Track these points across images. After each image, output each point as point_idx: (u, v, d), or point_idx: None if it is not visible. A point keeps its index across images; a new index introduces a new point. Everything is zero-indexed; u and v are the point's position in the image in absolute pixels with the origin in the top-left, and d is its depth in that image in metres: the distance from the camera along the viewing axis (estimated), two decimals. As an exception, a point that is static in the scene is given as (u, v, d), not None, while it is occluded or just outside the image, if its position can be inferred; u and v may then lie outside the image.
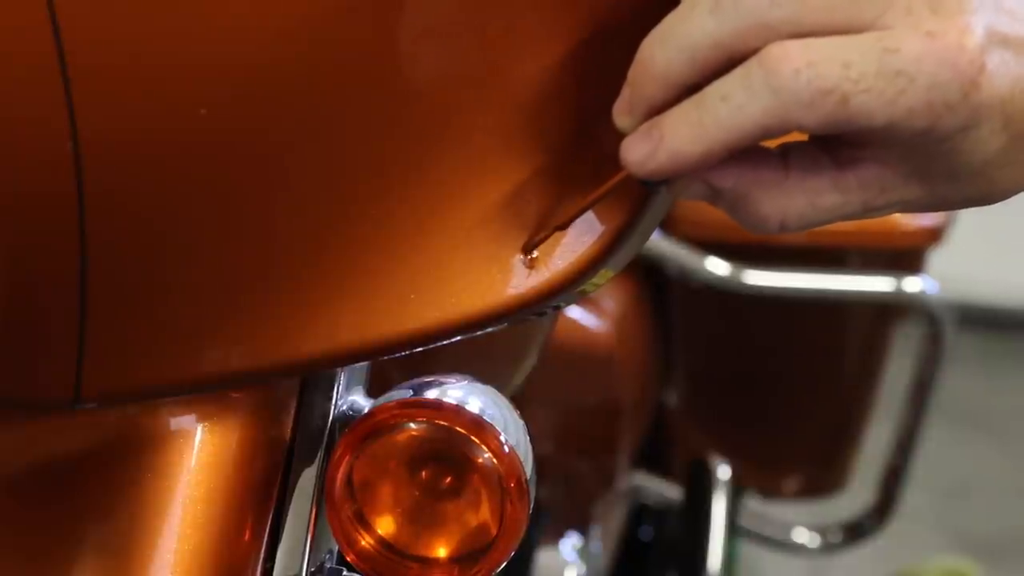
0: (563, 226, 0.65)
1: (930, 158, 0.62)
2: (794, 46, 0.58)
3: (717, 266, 1.62)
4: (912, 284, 1.65)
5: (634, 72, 0.61)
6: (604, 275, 0.67)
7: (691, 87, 0.60)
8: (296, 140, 0.62)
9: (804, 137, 0.64)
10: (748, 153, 0.63)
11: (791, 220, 0.63)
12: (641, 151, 0.61)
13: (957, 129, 0.60)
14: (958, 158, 0.62)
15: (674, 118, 0.60)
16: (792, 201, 0.63)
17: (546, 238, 0.65)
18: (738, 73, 0.59)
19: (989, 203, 0.65)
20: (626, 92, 0.62)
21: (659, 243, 1.62)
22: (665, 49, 0.60)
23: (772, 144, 0.64)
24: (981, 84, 0.59)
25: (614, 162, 0.63)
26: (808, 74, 0.58)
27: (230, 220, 0.63)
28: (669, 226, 1.64)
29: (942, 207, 0.65)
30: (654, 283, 1.70)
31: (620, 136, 0.63)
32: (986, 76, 0.59)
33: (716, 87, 0.59)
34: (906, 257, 1.70)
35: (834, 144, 0.63)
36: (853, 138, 0.62)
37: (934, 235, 1.70)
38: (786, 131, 0.60)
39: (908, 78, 0.59)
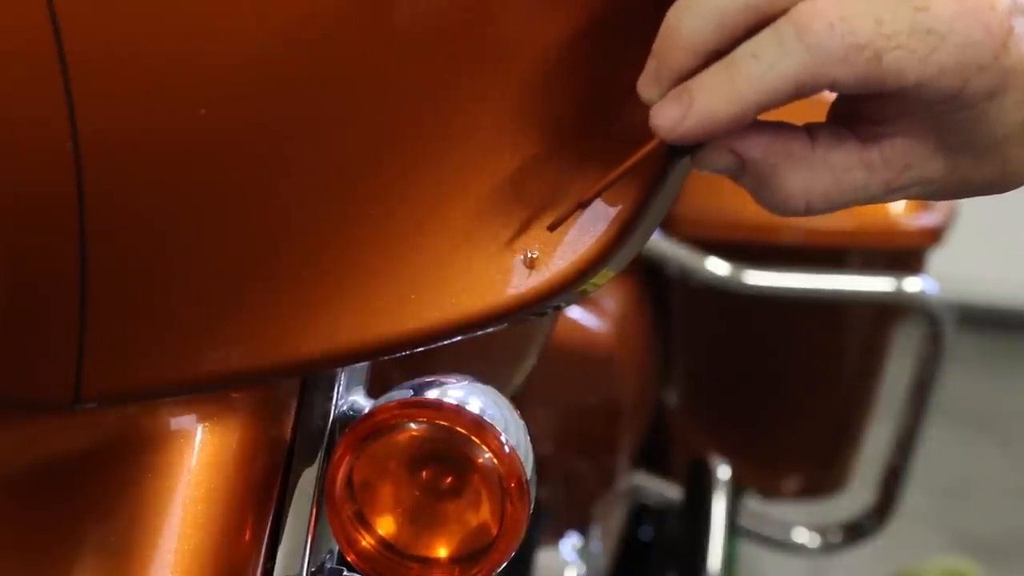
0: (585, 203, 0.65)
1: (953, 129, 0.62)
2: (825, 2, 0.58)
3: (717, 266, 1.62)
4: (912, 284, 1.65)
5: (660, 42, 0.61)
6: (604, 275, 0.67)
7: (718, 54, 0.60)
8: (296, 140, 0.62)
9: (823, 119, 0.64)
10: (775, 127, 0.63)
11: (816, 198, 0.63)
12: (672, 114, 0.61)
13: (985, 94, 0.60)
14: (981, 128, 0.61)
15: (705, 80, 0.60)
16: (818, 177, 0.62)
17: (569, 214, 0.65)
18: (768, 32, 0.59)
19: (1003, 189, 0.65)
20: (652, 64, 0.62)
21: (659, 243, 1.62)
22: (692, 16, 0.60)
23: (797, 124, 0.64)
24: (1010, 47, 0.60)
25: (615, 162, 0.63)
26: (841, 29, 0.58)
27: (230, 220, 0.63)
28: (669, 226, 1.64)
29: (960, 191, 0.65)
30: (654, 283, 1.70)
31: (621, 136, 0.63)
32: (1014, 40, 0.60)
33: (747, 47, 0.59)
34: (906, 257, 1.70)
35: (857, 121, 0.63)
36: (877, 112, 0.62)
37: (934, 235, 1.70)
38: (818, 89, 0.59)
39: (939, 36, 0.59)
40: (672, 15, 0.61)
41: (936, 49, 0.59)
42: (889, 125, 0.63)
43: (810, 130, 0.63)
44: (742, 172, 0.63)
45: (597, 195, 0.64)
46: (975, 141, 0.62)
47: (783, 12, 0.59)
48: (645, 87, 0.62)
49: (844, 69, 0.58)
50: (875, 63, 0.59)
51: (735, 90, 0.59)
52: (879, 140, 0.63)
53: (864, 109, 0.63)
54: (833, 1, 0.58)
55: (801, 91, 0.59)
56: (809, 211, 0.63)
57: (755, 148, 0.62)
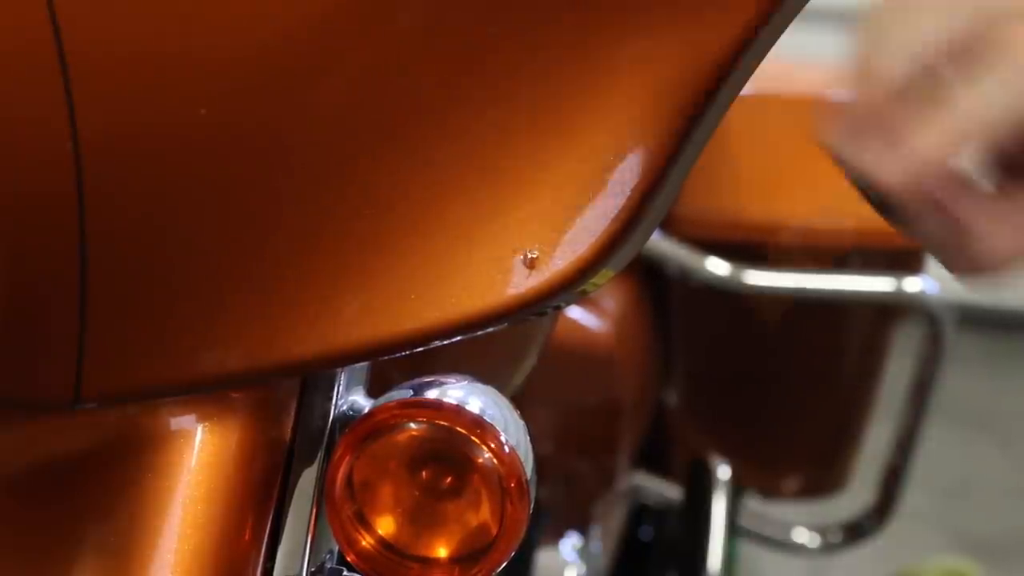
0: None
1: None
2: None
3: (717, 266, 1.62)
4: (912, 284, 1.65)
5: (857, 85, 0.58)
6: (604, 275, 0.67)
7: (912, 93, 0.57)
8: (295, 139, 0.62)
9: None
10: (976, 184, 0.59)
11: (1007, 256, 0.59)
12: (892, 164, 0.57)
13: None
14: None
15: (918, 123, 0.57)
16: (1017, 236, 0.59)
17: None
18: (982, 66, 0.56)
19: None
20: (847, 111, 0.58)
21: (659, 243, 1.62)
22: (886, 54, 0.57)
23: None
24: None
25: (616, 163, 0.63)
26: None
27: (230, 220, 0.63)
28: (669, 226, 1.64)
29: None
30: (654, 283, 1.70)
31: (624, 137, 0.63)
32: None
33: (958, 85, 0.56)
34: (906, 257, 1.70)
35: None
36: None
37: (934, 235, 1.69)
38: None
39: None
40: (861, 58, 0.58)
41: None
42: None
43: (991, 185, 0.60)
44: (949, 239, 0.60)
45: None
46: None
47: (982, 42, 0.56)
48: (839, 136, 0.58)
49: None
50: None
51: (956, 128, 0.56)
52: None
53: None
54: None
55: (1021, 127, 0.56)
56: (996, 269, 0.60)
57: (962, 207, 0.58)
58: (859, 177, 0.59)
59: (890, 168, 0.57)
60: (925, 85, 0.57)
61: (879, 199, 0.59)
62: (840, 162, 0.59)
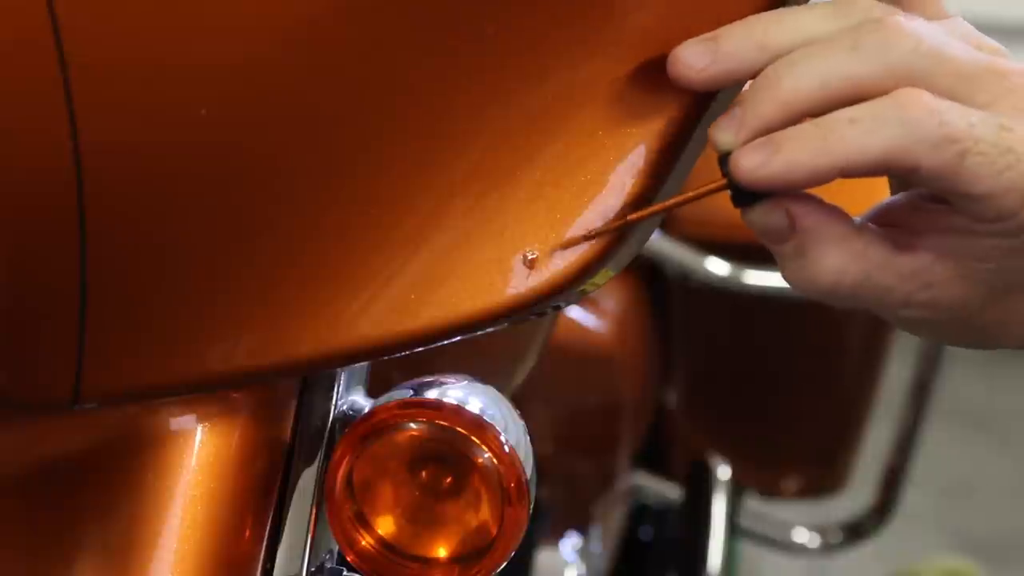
0: (631, 223, 0.64)
1: (983, 257, 0.64)
2: (927, 93, 0.61)
3: (717, 266, 1.62)
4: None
5: (753, 92, 0.63)
6: (604, 275, 0.67)
7: (802, 117, 0.62)
8: (296, 140, 0.62)
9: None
10: (831, 206, 0.64)
11: (846, 283, 0.64)
12: (754, 159, 0.62)
13: None
14: (1010, 262, 0.64)
15: (795, 132, 0.62)
16: (855, 264, 0.64)
17: (604, 233, 0.65)
18: (871, 103, 0.61)
19: (992, 345, 0.67)
20: (737, 111, 0.63)
21: (659, 243, 1.62)
22: (795, 75, 0.62)
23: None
24: None
25: (615, 164, 0.63)
26: (940, 118, 0.61)
27: (230, 220, 0.63)
28: (669, 226, 1.64)
29: (958, 332, 0.67)
30: (654, 283, 1.70)
31: (623, 137, 0.63)
32: None
33: (845, 111, 0.62)
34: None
35: (897, 228, 0.65)
36: (920, 223, 0.65)
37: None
38: (901, 168, 0.61)
39: (1016, 157, 0.61)
40: (773, 69, 0.62)
41: (1011, 167, 0.61)
42: (925, 239, 0.64)
43: (855, 221, 0.65)
44: (786, 237, 0.64)
45: (642, 220, 0.65)
46: (997, 276, 0.64)
47: (884, 92, 0.61)
48: (723, 131, 0.63)
49: (932, 155, 0.61)
50: (959, 159, 0.61)
51: (825, 147, 0.61)
52: (913, 251, 0.64)
53: (905, 218, 0.65)
54: (932, 95, 0.61)
55: (886, 165, 0.61)
56: (833, 294, 0.64)
57: (810, 216, 0.64)
58: (724, 161, 0.63)
59: (751, 162, 0.62)
60: (813, 112, 0.62)
61: (736, 188, 0.63)
62: (713, 144, 0.63)
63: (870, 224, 0.66)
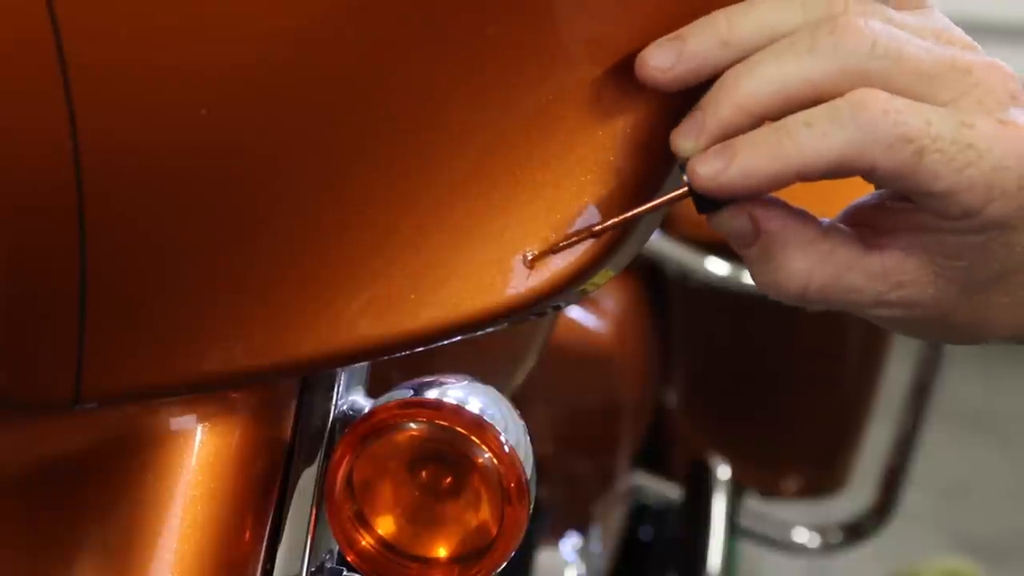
0: (597, 233, 0.65)
1: (953, 255, 0.64)
2: (883, 93, 0.61)
3: (717, 266, 1.62)
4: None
5: (712, 96, 0.63)
6: (604, 275, 0.67)
7: (762, 121, 0.62)
8: (296, 140, 0.62)
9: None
10: (795, 209, 0.65)
11: (813, 288, 0.65)
12: (712, 166, 0.62)
13: (999, 221, 0.62)
14: (980, 258, 0.64)
15: (751, 138, 0.62)
16: (821, 267, 0.64)
17: (578, 241, 0.65)
18: (825, 106, 0.61)
19: (971, 341, 0.68)
20: (697, 115, 0.63)
21: (659, 243, 1.62)
22: (753, 78, 0.62)
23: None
24: None
25: (616, 163, 0.63)
26: (895, 118, 0.61)
27: (230, 220, 0.63)
28: (669, 226, 1.64)
29: (935, 328, 0.67)
30: (654, 283, 1.70)
31: (623, 136, 0.63)
32: None
33: (800, 115, 0.62)
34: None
35: (865, 228, 0.65)
36: (887, 222, 0.65)
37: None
38: (857, 170, 0.62)
39: (977, 153, 0.61)
40: (731, 73, 0.63)
41: (971, 164, 0.61)
42: (894, 238, 0.65)
43: (823, 223, 0.65)
44: (752, 241, 0.65)
45: (607, 229, 0.65)
46: (969, 273, 0.64)
47: (842, 94, 0.61)
48: (683, 137, 0.63)
49: (888, 156, 0.61)
50: (916, 158, 0.61)
51: (781, 152, 0.61)
52: (882, 250, 0.65)
53: (875, 218, 0.65)
54: (888, 94, 0.61)
55: (842, 168, 0.61)
56: (802, 298, 0.65)
57: (774, 220, 0.64)
58: (683, 167, 0.63)
59: (709, 169, 0.62)
60: (772, 116, 0.62)
61: (697, 195, 0.64)
62: (674, 150, 0.64)
63: (840, 225, 0.66)
